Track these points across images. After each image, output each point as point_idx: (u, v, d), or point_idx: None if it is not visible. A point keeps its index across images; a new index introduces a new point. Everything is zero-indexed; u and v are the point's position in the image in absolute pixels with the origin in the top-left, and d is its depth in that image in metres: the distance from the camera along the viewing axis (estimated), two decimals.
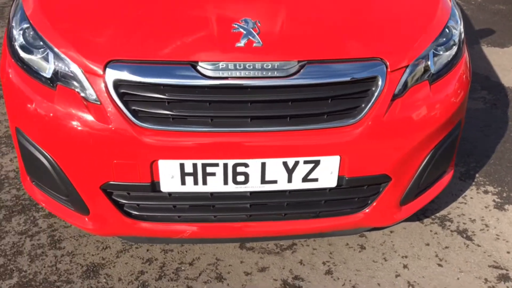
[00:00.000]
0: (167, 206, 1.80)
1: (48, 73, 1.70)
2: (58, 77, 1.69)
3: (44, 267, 2.06)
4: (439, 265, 2.13)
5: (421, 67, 1.78)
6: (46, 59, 1.71)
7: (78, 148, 1.68)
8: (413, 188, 1.91)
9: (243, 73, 1.64)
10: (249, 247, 2.19)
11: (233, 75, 1.64)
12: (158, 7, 1.75)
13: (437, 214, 2.42)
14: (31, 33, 1.76)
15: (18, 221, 2.30)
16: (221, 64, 1.63)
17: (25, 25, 1.78)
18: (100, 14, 1.75)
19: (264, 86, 1.65)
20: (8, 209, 2.36)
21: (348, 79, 1.67)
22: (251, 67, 1.64)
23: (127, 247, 2.16)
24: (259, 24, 1.68)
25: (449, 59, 1.88)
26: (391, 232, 2.30)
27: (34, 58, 1.74)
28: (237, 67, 1.63)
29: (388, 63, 1.70)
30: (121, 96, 1.63)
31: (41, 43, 1.73)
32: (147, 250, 2.15)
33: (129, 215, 1.82)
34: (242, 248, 2.18)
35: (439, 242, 2.25)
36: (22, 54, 1.77)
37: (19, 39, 1.78)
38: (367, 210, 1.89)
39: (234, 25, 1.67)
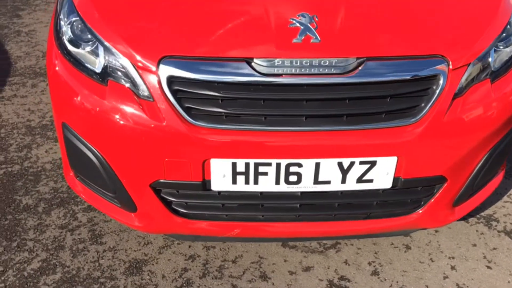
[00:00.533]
0: (216, 205, 1.76)
1: (98, 68, 1.66)
2: (108, 72, 1.64)
3: (87, 262, 2.05)
4: (488, 267, 2.08)
5: (482, 65, 1.70)
6: (95, 53, 1.67)
7: (129, 146, 1.64)
8: (467, 189, 1.85)
9: (299, 70, 1.58)
10: (292, 245, 2.15)
11: (289, 72, 1.58)
12: (213, 2, 1.70)
13: (482, 214, 2.35)
14: (80, 25, 1.72)
15: (57, 214, 2.28)
16: (277, 61, 1.57)
17: (74, 18, 1.73)
18: (153, 7, 1.69)
19: (321, 83, 1.59)
20: (47, 202, 2.35)
21: (408, 77, 1.60)
22: (308, 64, 1.58)
23: (168, 243, 2.14)
24: (316, 19, 1.61)
25: (509, 56, 1.80)
26: (436, 231, 2.24)
27: (83, 52, 1.70)
28: (294, 63, 1.57)
29: (450, 61, 1.63)
30: (174, 93, 1.58)
31: (90, 36, 1.69)
32: (189, 247, 2.13)
33: (176, 213, 1.78)
34: (285, 246, 2.14)
35: (486, 243, 2.19)
36: (70, 47, 1.72)
37: (67, 32, 1.73)
38: (420, 211, 1.83)
39: (291, 20, 1.61)
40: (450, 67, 1.63)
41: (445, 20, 1.72)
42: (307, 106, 1.60)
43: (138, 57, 1.59)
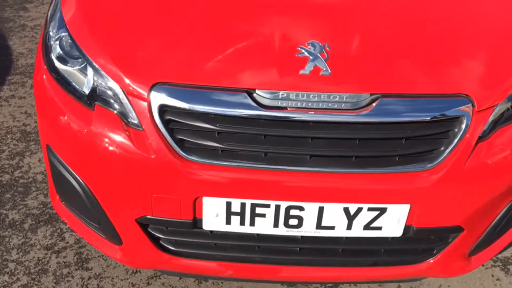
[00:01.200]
0: (207, 244, 1.61)
1: (86, 89, 1.51)
2: (97, 95, 1.50)
3: None
4: None
5: (509, 106, 1.53)
6: (84, 72, 1.53)
7: (115, 177, 1.49)
8: (485, 238, 1.67)
9: (305, 105, 1.42)
10: (290, 284, 1.99)
11: (294, 106, 1.42)
12: (212, 25, 1.54)
13: (499, 256, 2.18)
14: (69, 41, 1.57)
15: (44, 233, 2.15)
16: (281, 94, 1.41)
17: (63, 34, 1.58)
18: (148, 29, 1.54)
19: (329, 121, 1.43)
20: (34, 218, 2.22)
21: (427, 118, 1.43)
22: (316, 98, 1.41)
23: (158, 273, 1.99)
24: (328, 49, 1.45)
25: None
26: None
27: (71, 70, 1.56)
28: (300, 97, 1.41)
29: (475, 101, 1.46)
30: (166, 123, 1.43)
31: (79, 54, 1.54)
32: (180, 279, 1.98)
33: (164, 249, 1.64)
34: (283, 284, 1.99)
35: None
36: (58, 64, 1.58)
37: (55, 48, 1.59)
38: (431, 261, 1.66)
39: (299, 48, 1.45)
40: (475, 108, 1.46)
41: (471, 57, 1.54)
42: (312, 145, 1.44)
43: (129, 82, 1.44)
